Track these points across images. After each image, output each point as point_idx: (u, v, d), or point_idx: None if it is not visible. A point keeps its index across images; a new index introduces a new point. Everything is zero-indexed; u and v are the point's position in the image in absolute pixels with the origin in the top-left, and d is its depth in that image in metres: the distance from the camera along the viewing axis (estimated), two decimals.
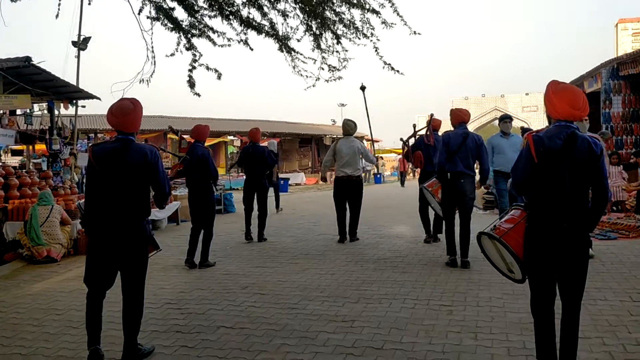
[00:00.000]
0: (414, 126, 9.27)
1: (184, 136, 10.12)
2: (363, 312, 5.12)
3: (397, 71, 9.78)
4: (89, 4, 10.63)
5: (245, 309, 5.33)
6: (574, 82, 15.58)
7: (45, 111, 15.08)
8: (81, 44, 15.52)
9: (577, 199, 3.40)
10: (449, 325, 4.69)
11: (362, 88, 10.82)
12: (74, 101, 14.69)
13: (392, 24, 9.14)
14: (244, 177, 10.03)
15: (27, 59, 11.99)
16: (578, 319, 3.51)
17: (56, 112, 14.42)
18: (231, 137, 30.76)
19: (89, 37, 15.66)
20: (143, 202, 4.08)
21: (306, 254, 8.12)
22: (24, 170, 13.57)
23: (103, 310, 4.19)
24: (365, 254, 7.91)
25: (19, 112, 14.79)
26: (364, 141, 37.40)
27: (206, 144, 26.52)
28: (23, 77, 12.55)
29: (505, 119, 9.39)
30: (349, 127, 9.33)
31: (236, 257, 8.09)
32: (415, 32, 9.57)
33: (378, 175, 34.19)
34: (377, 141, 37.27)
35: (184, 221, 12.39)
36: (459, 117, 7.04)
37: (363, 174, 27.92)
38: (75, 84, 14.61)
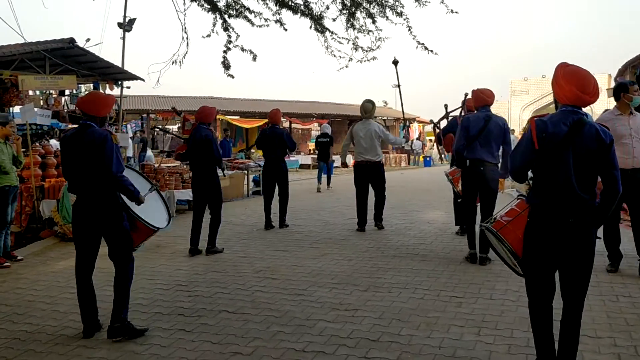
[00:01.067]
0: (446, 107, 8.74)
1: (188, 117, 10.06)
2: (369, 301, 5.00)
3: (431, 51, 9.48)
4: None
5: (252, 294, 5.30)
6: None
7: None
8: (126, 25, 15.80)
9: (584, 191, 3.16)
10: (454, 318, 4.51)
11: (395, 62, 10.11)
12: (119, 82, 15.03)
13: (426, 1, 8.88)
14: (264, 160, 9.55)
15: (71, 40, 12.33)
16: (580, 319, 3.32)
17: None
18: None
19: (134, 19, 15.85)
20: (103, 181, 4.26)
21: (329, 238, 8.03)
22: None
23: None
24: (389, 240, 7.75)
25: (67, 92, 15.26)
26: (414, 122, 36.82)
27: (253, 125, 26.86)
28: (68, 59, 12.92)
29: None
30: (365, 109, 8.74)
31: (260, 240, 8.09)
32: (452, 11, 9.24)
33: (428, 159, 33.60)
34: (413, 120, 36.16)
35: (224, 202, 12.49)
36: (481, 98, 6.38)
37: (413, 156, 27.38)
38: (120, 65, 14.94)
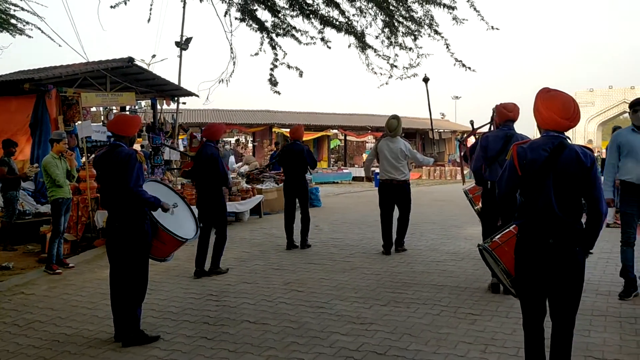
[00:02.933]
0: (472, 123, 7.93)
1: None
2: (385, 315, 5.15)
3: (469, 68, 9.53)
4: (183, 6, 11.36)
5: (276, 305, 5.55)
6: None
7: (149, 107, 16.24)
8: (183, 44, 16.59)
9: (565, 213, 3.22)
10: (465, 335, 4.60)
11: (425, 80, 9.58)
12: (175, 98, 15.74)
13: (463, 20, 8.96)
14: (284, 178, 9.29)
15: (130, 59, 13.04)
16: (570, 340, 3.37)
17: (159, 108, 15.54)
18: (334, 131, 31.18)
19: (191, 38, 16.72)
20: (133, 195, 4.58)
21: (363, 252, 8.19)
22: None
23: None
24: (419, 256, 7.84)
25: (127, 108, 16.09)
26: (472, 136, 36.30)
27: (308, 138, 27.09)
28: (127, 76, 13.66)
29: (637, 105, 6.15)
30: (389, 126, 8.26)
31: (297, 251, 8.35)
32: (492, 27, 9.31)
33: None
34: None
35: (266, 214, 12.87)
36: (503, 114, 5.83)
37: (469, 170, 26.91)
38: (177, 82, 15.66)
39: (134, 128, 4.81)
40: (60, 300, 6.00)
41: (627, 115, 54.10)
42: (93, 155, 5.04)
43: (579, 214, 3.28)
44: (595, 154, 18.91)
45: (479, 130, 8.04)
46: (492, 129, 7.62)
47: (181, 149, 18.49)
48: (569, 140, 3.30)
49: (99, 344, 4.63)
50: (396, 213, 8.20)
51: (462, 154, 9.12)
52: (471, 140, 8.61)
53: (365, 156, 34.42)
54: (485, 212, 6.14)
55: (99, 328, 5.03)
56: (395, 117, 8.31)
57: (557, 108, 3.26)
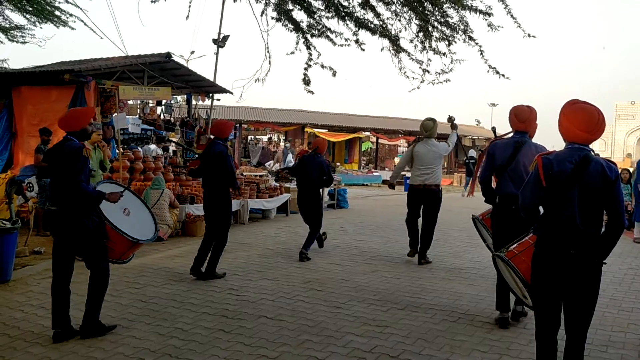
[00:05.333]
0: (494, 130, 6.93)
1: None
2: (402, 319, 5.17)
3: (502, 75, 9.48)
4: (222, 4, 11.50)
5: (294, 303, 5.62)
6: None
7: (184, 102, 16.51)
8: (220, 41, 16.78)
9: (587, 225, 3.26)
10: (480, 343, 4.59)
11: (451, 119, 8.36)
12: (210, 94, 15.97)
13: (498, 27, 8.90)
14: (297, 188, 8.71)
15: (168, 54, 13.31)
16: (582, 352, 3.39)
17: (193, 104, 15.81)
18: (366, 134, 31.16)
19: (228, 36, 16.86)
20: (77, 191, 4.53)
21: (386, 255, 8.21)
22: (159, 154, 15.09)
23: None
24: (442, 262, 7.81)
25: (163, 102, 16.42)
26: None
27: (340, 139, 27.19)
28: (164, 71, 13.93)
29: None
30: (425, 127, 7.91)
31: (320, 251, 8.40)
32: (529, 35, 9.25)
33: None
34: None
35: (293, 212, 12.95)
36: (514, 123, 5.12)
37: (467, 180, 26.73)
38: (212, 78, 15.89)
39: (81, 121, 4.66)
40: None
41: None
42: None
43: (600, 226, 3.31)
44: (632, 169, 18.57)
45: (502, 138, 7.80)
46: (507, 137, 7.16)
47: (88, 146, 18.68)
48: (593, 153, 3.32)
49: (120, 330, 4.77)
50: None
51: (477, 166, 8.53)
52: None
53: (397, 160, 34.33)
54: (494, 235, 5.27)
55: (121, 315, 5.18)
56: (431, 119, 8.03)
57: (578, 121, 3.30)
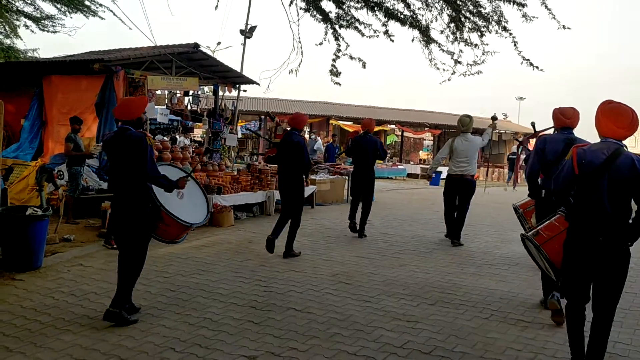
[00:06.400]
0: (533, 125, 7.58)
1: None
2: (432, 315, 5.08)
3: (537, 67, 9.26)
4: None
5: (322, 295, 5.57)
6: None
7: (211, 93, 16.53)
8: (248, 32, 16.78)
9: (616, 213, 3.59)
10: (514, 341, 4.49)
11: (493, 119, 9.53)
12: (237, 85, 15.96)
13: (533, 17, 8.69)
14: (353, 167, 9.71)
15: (196, 45, 13.31)
16: (609, 328, 3.72)
17: (220, 94, 15.81)
18: (391, 126, 30.91)
19: (255, 27, 16.88)
20: (138, 180, 4.68)
21: (414, 250, 8.10)
22: (187, 145, 15.15)
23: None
24: (472, 257, 7.69)
25: (190, 93, 16.46)
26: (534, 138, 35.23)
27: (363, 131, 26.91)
28: (192, 62, 13.95)
29: None
30: (462, 123, 8.77)
31: (346, 244, 8.34)
32: (564, 27, 9.01)
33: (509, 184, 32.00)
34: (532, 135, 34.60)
35: (319, 205, 12.90)
36: (560, 120, 5.41)
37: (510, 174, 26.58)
38: (239, 69, 15.88)
39: (137, 110, 4.79)
40: (115, 274, 6.11)
41: None
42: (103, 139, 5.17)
43: (628, 214, 3.64)
44: None
45: (542, 133, 7.80)
46: (555, 132, 7.35)
47: (239, 135, 18.80)
48: (625, 148, 3.68)
49: (150, 319, 4.77)
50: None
51: (522, 154, 8.90)
52: (533, 142, 8.33)
53: (422, 153, 34.04)
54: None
55: (150, 304, 5.18)
56: (467, 116, 8.86)
57: (615, 118, 3.69)
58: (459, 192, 8.64)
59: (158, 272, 6.34)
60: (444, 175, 25.86)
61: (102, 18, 15.33)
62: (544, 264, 4.34)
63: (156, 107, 11.88)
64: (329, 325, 4.73)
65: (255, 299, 5.38)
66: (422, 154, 33.74)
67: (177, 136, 18.49)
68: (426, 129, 31.92)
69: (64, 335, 4.38)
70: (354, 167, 9.50)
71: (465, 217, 8.72)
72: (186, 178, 5.04)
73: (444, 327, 4.76)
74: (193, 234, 8.66)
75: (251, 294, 5.54)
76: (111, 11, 11.26)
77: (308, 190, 12.55)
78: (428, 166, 28.44)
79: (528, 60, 8.95)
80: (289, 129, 7.86)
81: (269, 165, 11.63)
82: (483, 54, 9.65)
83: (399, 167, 26.83)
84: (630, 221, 3.66)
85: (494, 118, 9.50)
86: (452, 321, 4.92)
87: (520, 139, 9.01)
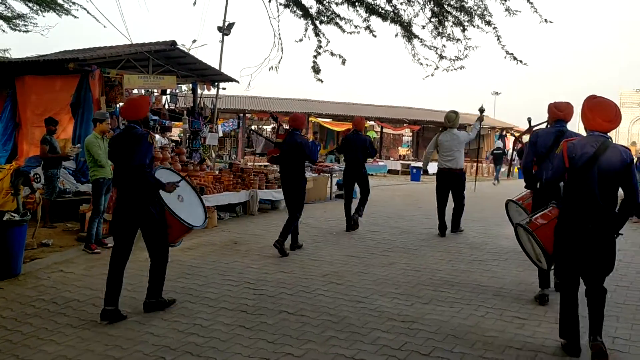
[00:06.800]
0: (529, 120, 7.74)
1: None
2: (428, 314, 4.98)
3: (520, 61, 9.22)
4: None
5: (314, 297, 5.43)
6: None
7: (189, 91, 16.27)
8: (225, 29, 16.52)
9: (605, 202, 3.84)
10: (513, 340, 4.40)
11: (481, 110, 10.08)
12: (216, 83, 15.70)
13: (516, 11, 8.65)
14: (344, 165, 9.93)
15: (173, 42, 13.04)
16: (603, 299, 4.00)
17: (199, 93, 15.55)
18: (371, 123, 30.88)
19: (233, 23, 16.62)
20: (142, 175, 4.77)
21: (402, 247, 8.01)
22: (165, 144, 14.87)
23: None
24: (461, 254, 7.61)
25: (168, 91, 16.15)
26: (511, 131, 35.48)
27: (344, 128, 27.24)
28: (170, 60, 13.67)
29: None
30: (448, 119, 9.19)
31: (334, 244, 8.22)
32: (546, 20, 8.99)
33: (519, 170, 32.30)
34: (510, 129, 35.22)
35: (305, 203, 12.71)
36: (554, 113, 5.56)
37: (504, 169, 27.22)
38: (218, 67, 15.63)
39: (143, 110, 5.00)
40: (98, 280, 5.99)
41: None
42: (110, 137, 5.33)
43: (615, 203, 3.90)
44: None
45: (535, 128, 7.94)
46: (548, 127, 7.45)
47: (220, 134, 18.55)
48: (610, 141, 3.93)
49: (137, 326, 4.59)
50: (450, 204, 9.12)
51: (516, 148, 9.08)
52: (527, 138, 8.40)
53: (402, 149, 34.09)
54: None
55: (137, 310, 4.99)
56: (453, 112, 9.23)
57: (601, 112, 3.92)
58: (449, 185, 8.99)
59: (142, 276, 6.10)
60: (430, 170, 26.13)
61: (75, 17, 14.90)
62: (535, 251, 4.58)
63: None
64: (324, 328, 4.59)
65: (246, 303, 5.22)
66: (402, 150, 33.79)
67: (155, 135, 18.17)
68: (405, 125, 31.98)
69: (48, 346, 4.19)
70: (346, 165, 9.70)
71: (463, 208, 9.18)
72: (176, 183, 5.07)
73: (440, 326, 4.66)
74: None
75: (241, 298, 5.39)
76: (85, 9, 10.88)
77: None
78: (408, 162, 28.69)
79: (512, 54, 8.91)
80: (287, 127, 8.02)
81: (274, 166, 11.74)
82: (466, 49, 9.60)
83: (380, 163, 26.78)
84: (616, 210, 3.95)
85: (481, 110, 9.80)
86: (449, 320, 4.82)
87: (516, 135, 9.22)
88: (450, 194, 9.07)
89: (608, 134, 3.98)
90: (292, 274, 6.31)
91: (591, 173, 3.83)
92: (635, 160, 13.01)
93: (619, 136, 49.51)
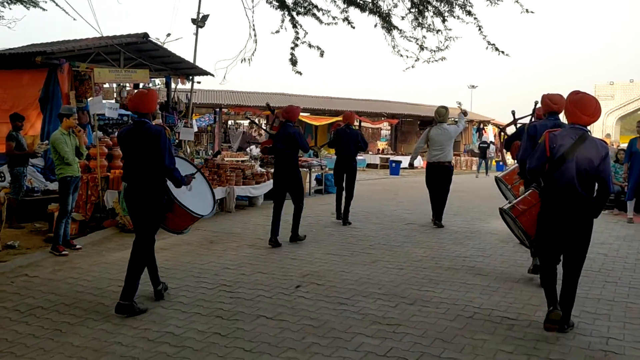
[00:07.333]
0: (513, 113, 8.11)
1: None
2: (414, 316, 4.74)
3: (502, 52, 9.03)
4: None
5: (294, 299, 5.16)
6: None
7: (163, 86, 15.85)
8: (200, 21, 16.06)
9: (583, 190, 4.13)
10: (503, 342, 4.19)
11: (460, 104, 10.70)
12: (190, 77, 15.29)
13: (498, 0, 8.46)
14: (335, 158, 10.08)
15: (145, 35, 12.63)
16: (576, 282, 4.39)
17: (173, 87, 15.14)
18: None
19: (207, 15, 16.13)
20: (153, 172, 4.80)
21: (384, 244, 7.77)
22: None
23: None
24: (445, 250, 7.41)
25: (140, 85, 15.70)
26: (489, 125, 35.61)
27: (323, 122, 26.99)
28: (142, 53, 13.26)
29: None
30: (439, 114, 9.41)
31: (314, 241, 7.95)
32: (527, 11, 8.82)
33: (501, 163, 32.32)
34: (487, 123, 35.52)
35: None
36: (547, 104, 5.67)
37: (485, 161, 27.66)
38: (192, 60, 15.21)
39: (153, 103, 4.97)
40: (64, 284, 5.66)
41: None
42: (117, 132, 5.25)
43: (592, 191, 4.19)
44: (615, 147, 18.64)
45: (520, 121, 7.97)
46: (532, 120, 7.38)
47: (195, 129, 18.15)
48: (589, 133, 4.25)
49: (104, 336, 4.27)
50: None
51: (502, 140, 9.18)
52: (510, 130, 8.35)
53: (380, 143, 33.91)
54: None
55: (104, 318, 4.67)
56: (443, 107, 9.47)
57: (581, 106, 4.21)
58: (438, 178, 9.22)
59: (111, 280, 5.81)
60: (403, 165, 25.98)
61: (43, 9, 14.37)
62: (520, 233, 5.06)
63: (104, 101, 11.16)
64: (304, 333, 4.32)
65: (221, 307, 4.93)
66: (380, 144, 33.61)
67: None
68: (383, 118, 31.80)
69: (7, 358, 3.86)
70: (337, 158, 9.87)
71: (446, 201, 9.41)
72: (193, 175, 5.22)
73: (427, 329, 4.43)
74: (158, 233, 8.15)
75: (216, 302, 5.09)
76: (53, 1, 10.39)
77: (270, 184, 12.11)
78: (387, 156, 28.57)
79: (493, 45, 8.72)
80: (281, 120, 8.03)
81: (269, 157, 12.43)
82: (446, 40, 9.41)
83: (359, 157, 26.46)
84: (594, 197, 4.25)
85: (464, 113, 10.10)
86: (435, 322, 4.59)
87: (501, 127, 9.35)
88: (438, 186, 9.31)
89: (588, 127, 4.27)
90: (270, 275, 6.03)
91: (569, 163, 4.13)
92: (616, 151, 13.07)
93: (594, 128, 49.96)
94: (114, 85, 14.53)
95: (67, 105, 8.73)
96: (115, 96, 13.62)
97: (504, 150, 9.35)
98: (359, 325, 4.50)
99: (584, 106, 4.19)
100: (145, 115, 4.90)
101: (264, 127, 15.89)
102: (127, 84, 14.76)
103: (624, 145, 30.43)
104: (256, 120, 23.93)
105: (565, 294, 4.37)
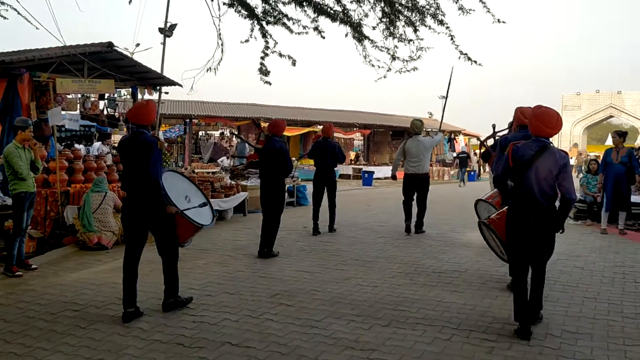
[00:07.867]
0: (494, 126, 8.33)
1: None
2: (389, 339, 4.48)
3: (475, 62, 8.92)
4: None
5: (262, 323, 4.86)
6: None
7: (129, 96, 15.42)
8: (167, 30, 15.70)
9: (542, 197, 4.40)
10: None
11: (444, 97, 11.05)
12: (158, 87, 14.89)
13: (470, 10, 8.35)
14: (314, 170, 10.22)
15: (110, 44, 12.19)
16: (543, 280, 4.67)
17: (139, 97, 14.71)
18: (321, 127, 30.45)
19: (175, 24, 15.76)
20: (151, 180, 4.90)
21: (357, 259, 7.51)
22: (104, 152, 14.01)
23: None
24: (420, 265, 7.19)
25: (106, 96, 15.22)
26: (460, 135, 35.82)
27: (295, 133, 26.73)
28: (107, 62, 12.81)
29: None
30: (415, 126, 9.75)
31: (285, 256, 7.66)
32: (499, 21, 8.75)
33: (472, 173, 32.49)
34: (458, 132, 35.94)
35: (251, 212, 12.13)
36: (520, 119, 5.91)
37: (465, 170, 28.39)
38: (160, 70, 14.82)
39: (151, 114, 5.15)
40: (15, 309, 5.25)
41: (612, 119, 54.03)
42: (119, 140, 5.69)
43: (553, 199, 4.43)
44: (583, 157, 18.72)
45: (500, 133, 7.99)
46: (514, 132, 7.27)
47: (162, 140, 17.69)
48: (551, 145, 4.49)
49: None
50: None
51: (481, 151, 9.10)
52: (490, 142, 8.33)
53: (352, 153, 33.78)
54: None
55: (55, 347, 4.30)
56: (419, 120, 9.90)
57: (543, 119, 4.44)
58: (415, 188, 9.59)
59: (66, 303, 5.42)
60: (376, 176, 25.87)
61: (4, 17, 13.86)
62: (496, 242, 5.23)
63: (64, 112, 10.73)
64: None
65: (183, 334, 4.59)
66: (353, 154, 33.50)
67: (95, 143, 17.19)
68: (355, 129, 31.71)
69: None
70: (316, 170, 10.04)
71: (425, 210, 9.78)
72: (200, 205, 5.54)
73: (404, 354, 4.17)
74: (109, 253, 7.78)
75: (178, 327, 4.75)
76: (15, 10, 9.97)
77: (240, 197, 11.79)
78: (360, 167, 28.46)
79: (466, 54, 8.60)
80: (267, 134, 8.07)
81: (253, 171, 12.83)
82: (418, 50, 9.29)
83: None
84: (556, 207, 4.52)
85: (430, 114, 10.63)
86: (412, 346, 4.33)
87: (481, 139, 9.42)
88: (415, 197, 9.65)
89: (550, 138, 4.52)
90: (238, 296, 5.71)
91: (529, 172, 4.39)
92: (588, 161, 13.36)
93: (562, 138, 50.79)
94: (78, 95, 14.05)
95: (22, 117, 8.28)
96: (78, 107, 13.16)
97: (481, 161, 9.53)
98: (331, 351, 4.22)
99: (546, 119, 4.42)
100: (144, 126, 5.07)
101: (250, 142, 15.54)
102: (92, 95, 14.32)
103: (593, 154, 30.99)
104: (235, 132, 23.73)
105: (534, 291, 4.62)
